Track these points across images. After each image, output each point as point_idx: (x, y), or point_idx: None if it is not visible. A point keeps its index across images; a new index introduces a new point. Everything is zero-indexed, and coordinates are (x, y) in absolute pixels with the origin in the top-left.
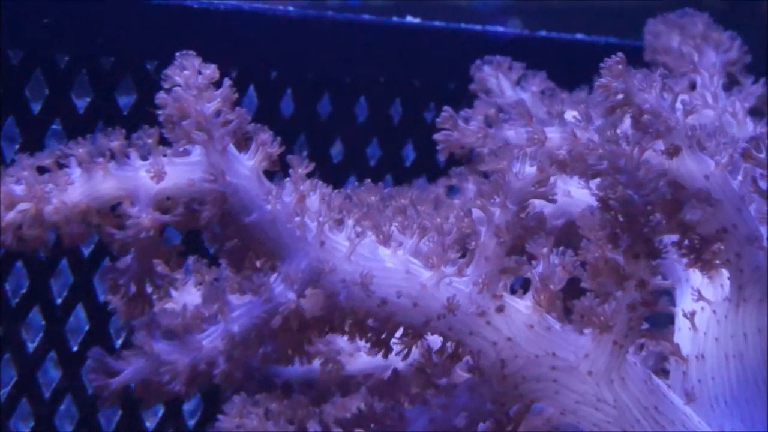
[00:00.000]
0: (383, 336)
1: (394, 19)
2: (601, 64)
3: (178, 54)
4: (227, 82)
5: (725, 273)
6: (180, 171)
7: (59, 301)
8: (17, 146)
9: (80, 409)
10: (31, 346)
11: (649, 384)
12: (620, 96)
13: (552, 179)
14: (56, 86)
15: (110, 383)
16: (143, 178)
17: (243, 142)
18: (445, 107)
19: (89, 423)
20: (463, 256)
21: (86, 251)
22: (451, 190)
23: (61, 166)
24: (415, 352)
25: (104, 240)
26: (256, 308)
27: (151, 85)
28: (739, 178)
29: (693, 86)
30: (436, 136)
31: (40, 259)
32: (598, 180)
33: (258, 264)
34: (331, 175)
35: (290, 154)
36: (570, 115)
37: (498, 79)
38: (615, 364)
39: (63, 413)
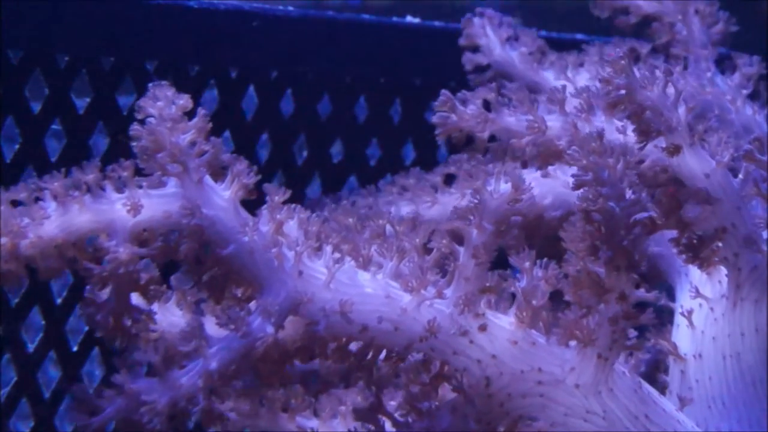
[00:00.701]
0: (365, 361)
1: (394, 19)
2: (605, 57)
3: (150, 85)
4: (201, 111)
5: (723, 270)
6: (156, 203)
7: (59, 301)
8: (17, 146)
9: None
10: (31, 346)
11: (639, 393)
12: (622, 92)
13: (529, 187)
14: (56, 86)
15: (92, 422)
16: (119, 211)
17: (219, 172)
18: (444, 90)
19: None
20: (445, 274)
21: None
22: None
23: (37, 199)
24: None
25: (81, 274)
26: (235, 342)
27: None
28: (740, 176)
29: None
30: (434, 119)
31: None
32: (581, 191)
33: (239, 293)
34: (331, 175)
35: (290, 154)
36: (571, 104)
37: (488, 36)
38: (602, 376)
39: (63, 413)
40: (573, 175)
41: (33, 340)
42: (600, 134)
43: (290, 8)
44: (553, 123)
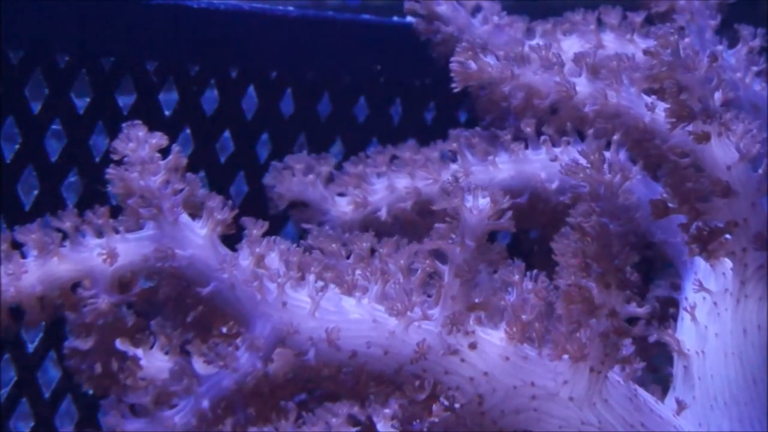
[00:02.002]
0: (357, 386)
1: (394, 19)
2: (654, 30)
3: (124, 125)
4: (175, 148)
5: (728, 262)
6: (133, 247)
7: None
8: (17, 146)
9: (80, 409)
10: (31, 346)
11: (635, 401)
12: (665, 68)
13: (508, 200)
14: (56, 86)
15: None
16: (98, 259)
17: (197, 207)
18: (466, 40)
19: (89, 423)
20: (431, 294)
21: None
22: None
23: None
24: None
25: (67, 320)
26: (225, 379)
27: (151, 85)
28: (760, 171)
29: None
30: (452, 66)
31: None
32: (577, 207)
33: (225, 330)
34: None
35: (290, 153)
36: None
37: (453, 7)
38: (596, 388)
39: (63, 413)
40: (570, 186)
41: (33, 340)
42: (600, 147)
43: (290, 8)
44: (582, 89)
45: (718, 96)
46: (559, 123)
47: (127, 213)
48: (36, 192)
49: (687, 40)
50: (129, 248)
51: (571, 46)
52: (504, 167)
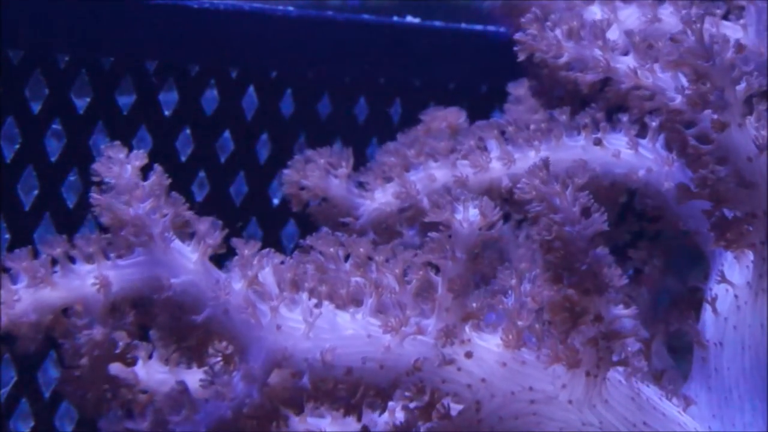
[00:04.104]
0: (353, 401)
1: (394, 19)
2: (683, 13)
3: (104, 147)
4: (157, 168)
5: (751, 255)
6: (126, 274)
7: None
8: (17, 146)
9: None
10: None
11: (637, 400)
12: (685, 54)
13: (498, 213)
14: (56, 86)
15: None
16: (91, 287)
17: (183, 226)
18: (533, 9)
19: (89, 423)
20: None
21: None
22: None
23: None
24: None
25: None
26: (222, 408)
27: (151, 85)
28: None
29: None
30: (517, 36)
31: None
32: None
33: (222, 347)
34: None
35: (290, 153)
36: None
37: None
38: (594, 390)
39: (63, 413)
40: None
41: None
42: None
43: (290, 8)
44: (620, 66)
45: (741, 87)
46: (606, 102)
47: (120, 243)
48: (36, 192)
49: (714, 29)
50: (122, 274)
51: (629, 16)
52: (544, 154)
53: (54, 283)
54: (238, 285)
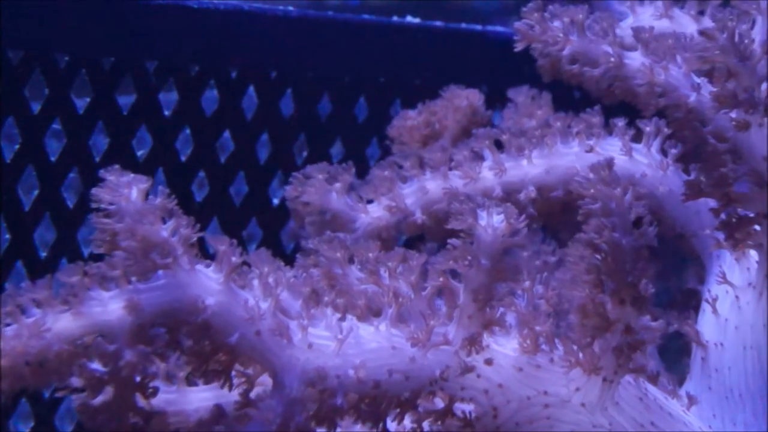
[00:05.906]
0: (379, 412)
1: (394, 19)
2: (712, 11)
3: (102, 171)
4: (160, 188)
5: (753, 256)
6: (149, 298)
7: None
8: (17, 146)
9: None
10: None
11: (645, 400)
12: (718, 52)
13: (523, 221)
14: (56, 86)
15: None
16: (115, 312)
17: (193, 246)
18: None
19: None
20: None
21: (86, 251)
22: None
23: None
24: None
25: (80, 376)
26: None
27: (151, 85)
28: None
29: None
30: (516, 25)
31: (40, 258)
32: (589, 222)
33: (249, 371)
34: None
35: (290, 153)
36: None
37: None
38: (608, 394)
39: (63, 413)
40: (581, 204)
41: None
42: (609, 163)
43: (290, 8)
44: (632, 61)
45: (765, 87)
46: (612, 99)
47: (143, 267)
48: (36, 192)
49: (744, 26)
50: (147, 299)
51: (644, 10)
52: (537, 162)
53: (77, 312)
54: (265, 305)
